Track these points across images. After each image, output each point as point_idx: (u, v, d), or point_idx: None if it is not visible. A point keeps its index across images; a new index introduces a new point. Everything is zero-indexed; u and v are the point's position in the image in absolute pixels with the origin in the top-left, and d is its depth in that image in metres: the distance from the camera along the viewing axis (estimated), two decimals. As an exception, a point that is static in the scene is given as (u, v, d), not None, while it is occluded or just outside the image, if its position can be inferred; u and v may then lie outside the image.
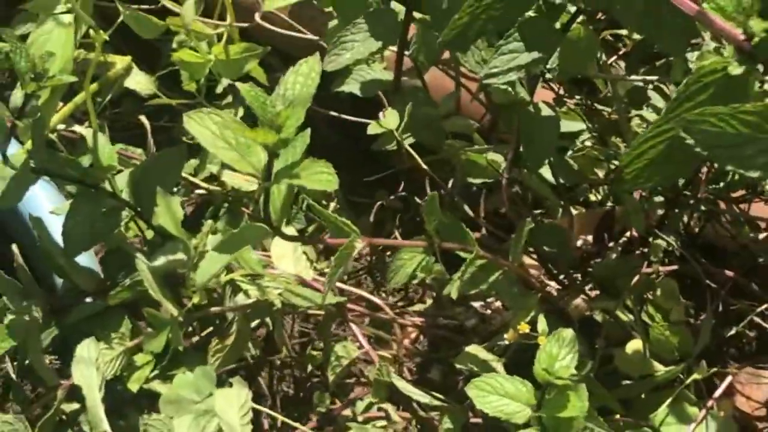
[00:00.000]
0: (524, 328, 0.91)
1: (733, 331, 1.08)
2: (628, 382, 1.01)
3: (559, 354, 0.84)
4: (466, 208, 1.09)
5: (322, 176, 0.73)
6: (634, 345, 1.00)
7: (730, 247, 1.12)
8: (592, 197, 1.21)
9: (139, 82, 1.28)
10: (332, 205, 1.17)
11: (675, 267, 1.05)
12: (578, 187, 1.18)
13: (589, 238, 1.15)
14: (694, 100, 0.71)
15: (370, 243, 0.82)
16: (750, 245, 1.09)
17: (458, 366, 0.96)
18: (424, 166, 1.04)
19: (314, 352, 1.21)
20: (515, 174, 1.01)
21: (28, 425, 0.88)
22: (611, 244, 1.13)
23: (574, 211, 1.18)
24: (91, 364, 0.92)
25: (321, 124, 1.38)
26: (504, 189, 0.99)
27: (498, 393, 0.85)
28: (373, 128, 1.03)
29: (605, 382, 1.03)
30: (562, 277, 1.06)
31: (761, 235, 1.09)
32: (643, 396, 1.01)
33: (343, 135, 1.32)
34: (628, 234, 1.13)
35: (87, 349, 0.93)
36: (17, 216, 1.13)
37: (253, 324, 1.21)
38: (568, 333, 0.84)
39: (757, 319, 1.08)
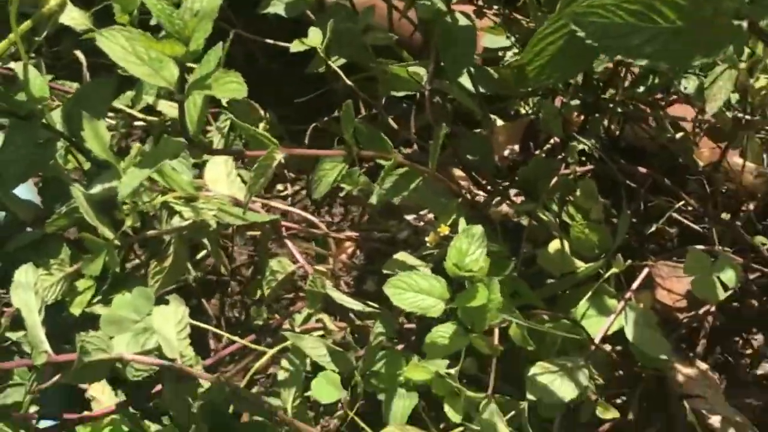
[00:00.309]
0: (444, 230, 0.95)
1: (653, 228, 1.11)
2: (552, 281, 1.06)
3: (468, 249, 0.87)
4: (392, 122, 1.11)
5: (232, 86, 0.75)
6: (556, 244, 1.04)
7: (650, 148, 1.15)
8: (522, 110, 1.25)
9: (74, 18, 1.29)
10: (261, 125, 1.19)
11: (591, 167, 1.08)
12: (507, 99, 1.21)
13: (516, 147, 1.18)
14: (585, -6, 0.74)
15: (289, 152, 0.85)
16: (669, 145, 1.12)
17: (387, 273, 0.99)
18: (349, 83, 1.07)
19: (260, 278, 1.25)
20: (437, 85, 1.03)
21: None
22: (537, 152, 1.17)
23: (501, 122, 1.22)
24: (30, 289, 0.95)
25: (259, 54, 1.41)
26: (426, 100, 1.02)
27: (413, 290, 0.89)
28: (295, 46, 1.05)
29: (532, 282, 1.07)
30: (487, 184, 1.10)
31: (678, 135, 1.12)
32: (566, 293, 1.05)
33: (284, 64, 1.34)
34: (552, 141, 1.17)
35: (25, 274, 0.96)
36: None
37: (201, 254, 1.25)
38: (478, 229, 0.88)
39: (677, 216, 1.12)
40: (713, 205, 1.10)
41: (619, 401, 1.09)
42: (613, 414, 1.02)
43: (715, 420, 1.01)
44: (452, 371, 0.94)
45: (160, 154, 0.80)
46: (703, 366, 1.06)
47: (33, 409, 0.99)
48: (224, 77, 0.76)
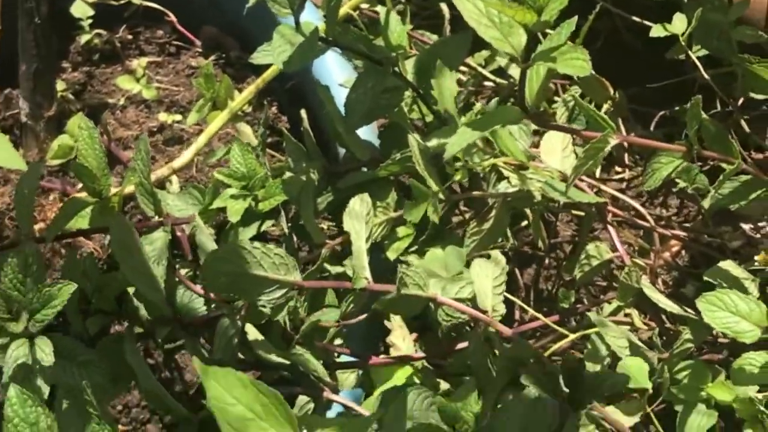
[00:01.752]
0: (780, 251, 0.88)
1: None
2: None
3: None
4: (745, 124, 1.04)
5: (576, 62, 0.73)
6: None
7: None
8: None
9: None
10: (605, 106, 1.16)
11: None
12: None
13: None
14: None
15: (624, 140, 0.82)
16: None
17: (708, 280, 0.93)
18: (706, 77, 1.01)
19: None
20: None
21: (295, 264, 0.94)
22: None
23: None
24: (361, 218, 0.98)
25: (624, 30, 1.37)
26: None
27: (729, 310, 0.83)
28: (656, 30, 1.01)
29: None
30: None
31: None
32: None
33: (647, 44, 1.29)
34: None
35: (359, 203, 0.99)
36: (313, 86, 1.21)
37: (523, 224, 1.24)
38: None
39: None
40: None
41: None
42: None
43: None
44: (761, 396, 0.87)
45: (495, 119, 0.80)
46: None
47: (337, 341, 1.04)
48: (570, 52, 0.74)
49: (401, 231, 1.08)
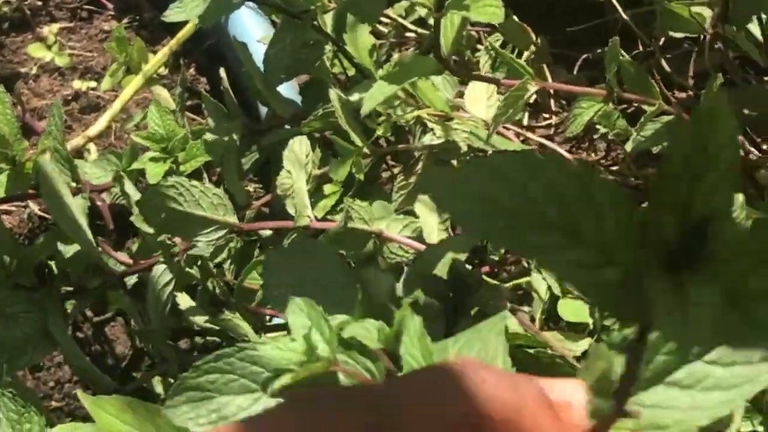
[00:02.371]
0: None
1: None
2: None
3: None
4: (665, 65, 1.03)
5: (489, 9, 0.72)
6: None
7: None
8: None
9: None
10: (525, 54, 1.14)
11: None
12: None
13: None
14: None
15: (544, 86, 0.81)
16: None
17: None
18: (625, 17, 1.00)
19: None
20: (721, 30, 0.95)
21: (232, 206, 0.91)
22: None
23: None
24: (301, 158, 0.96)
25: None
26: (707, 45, 0.94)
27: None
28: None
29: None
30: (762, 143, 1.00)
31: None
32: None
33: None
34: None
35: (298, 143, 0.97)
36: (231, 45, 1.18)
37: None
38: (738, 198, 0.80)
39: None
40: None
41: None
42: None
43: None
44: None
45: (411, 71, 0.78)
46: None
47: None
48: (483, 0, 0.72)
49: (327, 188, 1.06)
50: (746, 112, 0.98)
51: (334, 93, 1.01)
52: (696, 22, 0.95)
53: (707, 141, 0.27)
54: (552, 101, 1.33)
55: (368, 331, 0.63)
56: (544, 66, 1.24)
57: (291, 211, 0.98)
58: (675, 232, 0.28)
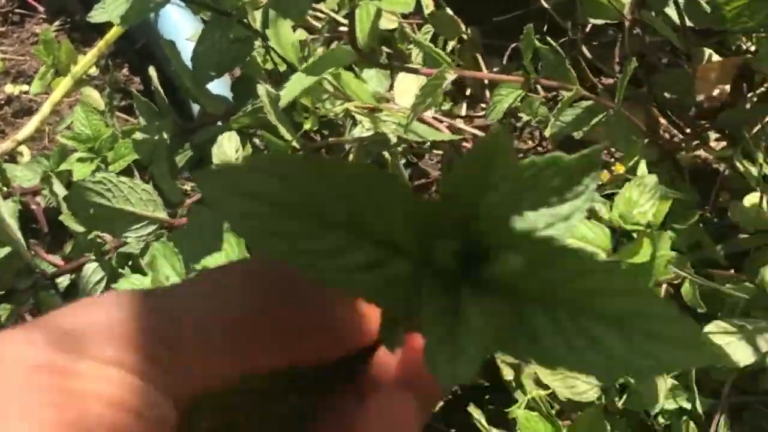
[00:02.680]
0: (619, 169, 0.89)
1: None
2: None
3: (638, 200, 0.81)
4: (586, 51, 1.05)
5: (401, -2, 0.72)
6: (753, 198, 0.95)
7: None
8: (744, 45, 1.15)
9: None
10: (451, 43, 1.15)
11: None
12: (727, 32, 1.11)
13: (727, 87, 1.09)
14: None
15: (461, 74, 0.81)
16: None
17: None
18: (546, 5, 1.01)
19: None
20: (639, 15, 0.96)
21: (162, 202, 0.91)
22: (749, 95, 1.07)
23: (717, 58, 1.12)
24: (231, 154, 0.96)
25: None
26: (625, 30, 0.95)
27: (575, 236, 0.83)
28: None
29: (723, 234, 1.00)
30: (683, 125, 1.02)
31: None
32: (757, 250, 0.97)
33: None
34: (768, 85, 1.07)
35: (227, 140, 0.97)
36: (161, 44, 1.18)
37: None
38: (651, 179, 0.81)
39: None
40: None
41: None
42: (798, 384, 0.95)
43: None
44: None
45: (327, 63, 0.78)
46: None
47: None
48: (396, -12, 0.73)
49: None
50: (667, 95, 0.99)
51: (262, 88, 1.01)
52: (615, 9, 0.96)
53: (486, 175, 0.28)
54: (487, 91, 1.35)
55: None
56: (478, 56, 1.25)
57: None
58: (453, 252, 0.29)
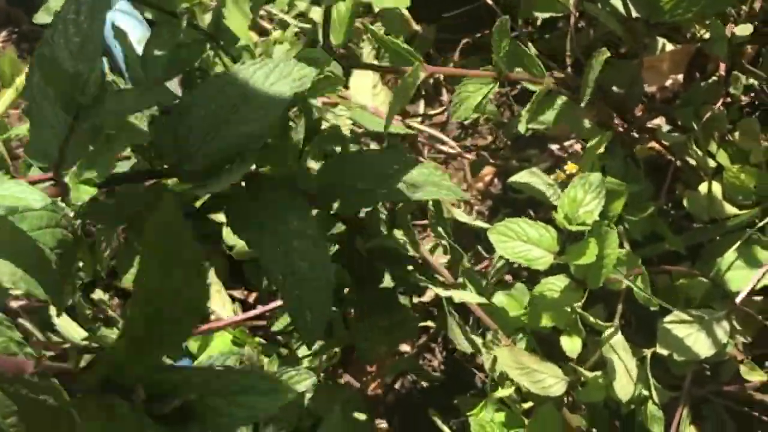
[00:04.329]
0: (572, 168, 0.88)
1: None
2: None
3: (583, 199, 0.80)
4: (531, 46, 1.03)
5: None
6: (705, 187, 0.95)
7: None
8: (698, 33, 1.14)
9: None
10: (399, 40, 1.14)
11: (756, 104, 0.98)
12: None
13: (680, 77, 1.09)
14: None
15: (433, 71, 0.80)
16: None
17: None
18: (489, 1, 1.00)
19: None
20: (583, 7, 0.95)
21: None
22: (703, 84, 1.07)
23: (671, 47, 1.12)
24: None
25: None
26: (571, 24, 0.94)
27: (520, 238, 0.81)
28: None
29: (680, 225, 0.99)
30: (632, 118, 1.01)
31: None
32: (713, 242, 0.96)
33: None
34: (720, 72, 1.06)
35: None
36: (111, 49, 1.17)
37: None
38: (596, 177, 0.80)
39: None
40: None
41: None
42: (758, 376, 0.94)
43: None
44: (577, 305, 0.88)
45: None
46: None
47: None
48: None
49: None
50: (615, 89, 0.99)
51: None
52: (559, 2, 0.95)
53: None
54: (444, 89, 1.34)
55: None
56: (432, 52, 1.24)
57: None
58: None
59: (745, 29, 0.96)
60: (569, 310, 0.86)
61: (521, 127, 0.90)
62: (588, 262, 0.78)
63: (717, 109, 0.94)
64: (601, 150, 0.91)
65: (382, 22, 1.17)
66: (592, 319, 0.86)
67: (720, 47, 0.94)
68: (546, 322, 0.87)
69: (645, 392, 0.87)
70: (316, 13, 1.23)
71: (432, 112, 1.32)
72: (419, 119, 1.27)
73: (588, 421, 0.86)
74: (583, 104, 0.83)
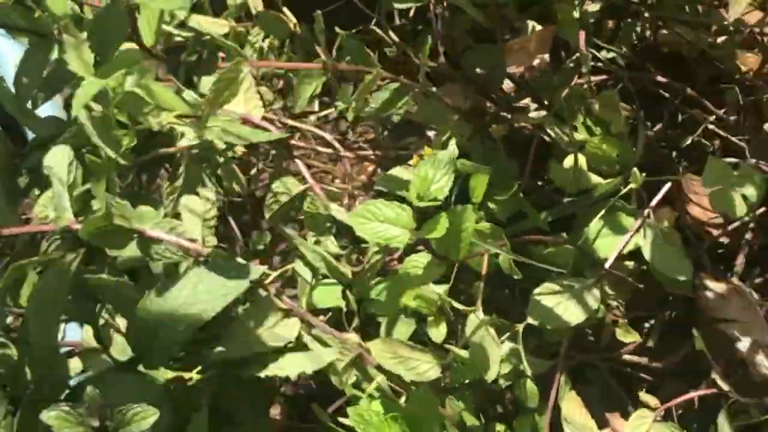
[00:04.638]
0: (428, 152, 0.90)
1: (688, 141, 1.03)
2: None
3: (434, 177, 0.82)
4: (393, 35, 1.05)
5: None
6: (571, 159, 0.98)
7: (689, 54, 1.06)
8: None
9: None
10: (268, 40, 1.15)
11: (607, 77, 1.01)
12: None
13: (546, 57, 1.11)
14: None
15: (260, 65, 0.82)
16: (709, 51, 1.03)
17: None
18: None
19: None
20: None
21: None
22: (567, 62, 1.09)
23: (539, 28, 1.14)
24: (62, 165, 0.96)
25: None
26: (432, 12, 0.96)
27: (378, 219, 0.83)
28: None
29: (551, 200, 1.02)
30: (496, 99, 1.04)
31: (720, 39, 1.03)
32: (582, 213, 0.99)
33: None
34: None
35: (59, 153, 0.96)
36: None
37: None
38: (445, 155, 0.82)
39: (716, 129, 1.03)
40: (757, 116, 1.01)
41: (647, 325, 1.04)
42: (633, 337, 0.97)
43: (744, 343, 0.95)
44: (441, 290, 0.90)
45: (116, 65, 0.78)
46: (739, 284, 0.98)
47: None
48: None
49: (95, 204, 1.06)
50: (478, 70, 1.01)
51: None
52: (417, -11, 0.97)
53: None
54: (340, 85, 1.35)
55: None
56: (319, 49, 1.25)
57: (51, 215, 0.98)
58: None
59: (594, 6, 0.99)
60: (436, 297, 0.88)
61: (349, 116, 0.92)
62: (441, 236, 0.80)
63: (573, 85, 0.96)
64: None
65: (259, 24, 1.18)
66: (455, 304, 0.88)
67: (570, 30, 0.96)
68: (408, 301, 0.89)
69: (520, 366, 0.90)
70: (194, 21, 1.23)
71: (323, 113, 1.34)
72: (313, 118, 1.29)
73: (463, 400, 0.89)
74: (421, 89, 0.86)
